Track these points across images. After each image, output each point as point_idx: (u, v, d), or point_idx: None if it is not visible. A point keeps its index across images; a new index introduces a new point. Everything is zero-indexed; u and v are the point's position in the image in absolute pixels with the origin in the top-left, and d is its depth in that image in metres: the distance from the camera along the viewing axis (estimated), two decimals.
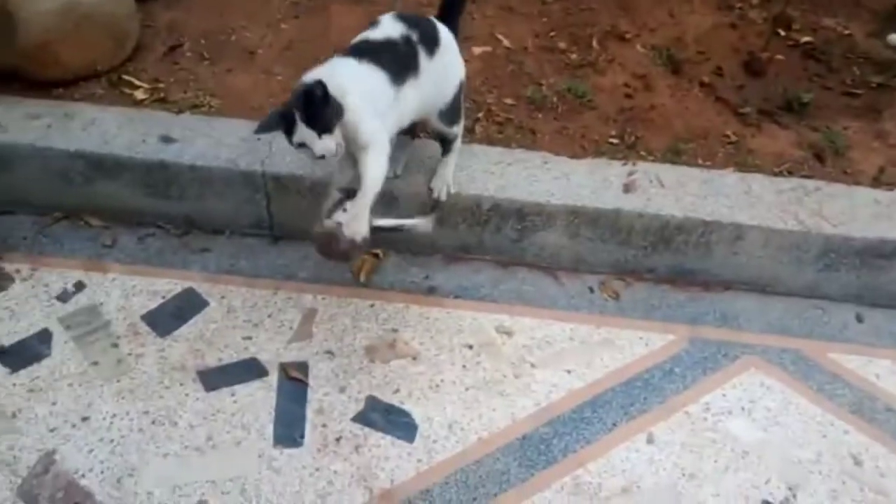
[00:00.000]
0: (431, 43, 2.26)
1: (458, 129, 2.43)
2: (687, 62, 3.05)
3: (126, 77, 2.78)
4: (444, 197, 2.44)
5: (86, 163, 2.52)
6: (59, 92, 2.71)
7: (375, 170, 2.10)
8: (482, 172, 2.53)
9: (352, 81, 2.08)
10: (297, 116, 1.98)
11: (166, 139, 2.56)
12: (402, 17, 2.27)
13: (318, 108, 1.98)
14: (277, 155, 2.53)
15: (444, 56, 2.29)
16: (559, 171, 2.56)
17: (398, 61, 2.18)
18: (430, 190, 2.46)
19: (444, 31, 2.32)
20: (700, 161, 2.68)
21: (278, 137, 2.49)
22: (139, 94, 2.72)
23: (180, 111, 2.67)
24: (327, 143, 2.00)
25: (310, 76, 2.08)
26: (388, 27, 2.23)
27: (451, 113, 2.36)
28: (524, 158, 2.60)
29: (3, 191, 2.61)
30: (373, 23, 2.28)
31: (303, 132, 2.00)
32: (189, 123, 2.62)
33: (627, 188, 2.51)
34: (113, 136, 2.55)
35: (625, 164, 2.61)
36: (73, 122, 2.59)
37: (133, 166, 2.52)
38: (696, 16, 3.26)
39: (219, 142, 2.56)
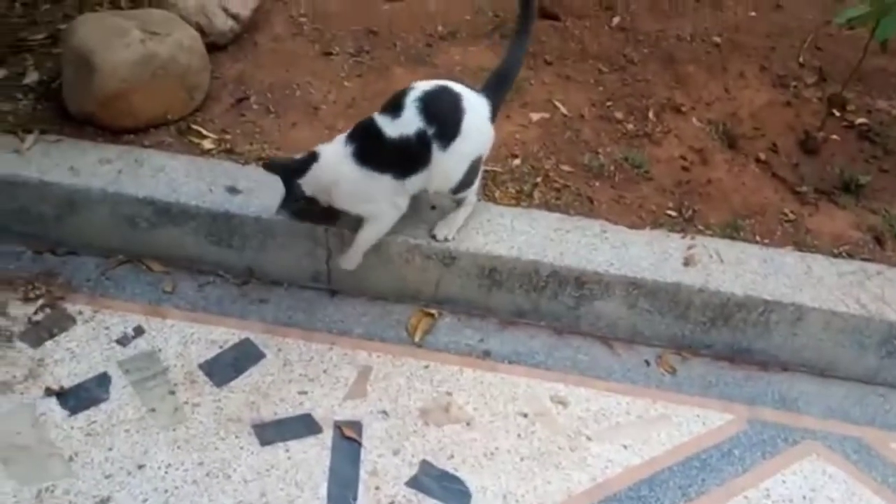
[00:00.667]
0: (450, 135, 2.31)
1: (464, 195, 2.48)
2: (742, 137, 3.07)
3: (195, 126, 2.84)
4: (440, 238, 2.50)
5: (153, 209, 2.57)
6: (129, 138, 2.77)
7: (366, 236, 2.43)
8: (541, 238, 2.55)
9: (344, 178, 2.32)
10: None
11: (232, 190, 2.61)
12: (429, 103, 2.29)
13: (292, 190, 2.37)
14: None
15: (462, 143, 2.34)
16: (618, 240, 2.57)
17: (407, 160, 2.32)
18: (433, 235, 2.50)
19: (473, 111, 2.35)
20: (758, 238, 2.69)
21: None
22: (207, 144, 2.78)
23: (246, 162, 2.73)
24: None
25: (315, 154, 2.37)
26: (408, 119, 2.28)
27: (459, 187, 2.43)
28: (583, 226, 2.61)
29: (70, 233, 2.66)
30: (396, 105, 2.31)
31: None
32: (254, 175, 2.67)
33: (687, 262, 2.52)
34: (181, 184, 2.60)
35: (683, 237, 2.62)
36: (143, 169, 2.64)
37: (198, 215, 2.56)
38: (751, 91, 3.29)
39: (283, 194, 2.60)
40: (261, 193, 2.61)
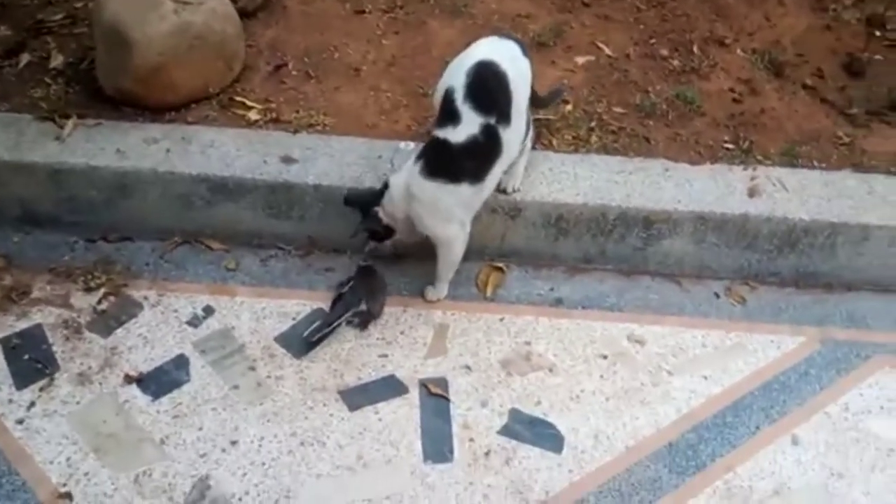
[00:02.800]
0: (507, 109, 2.27)
1: (525, 143, 2.45)
2: (787, 65, 3.03)
3: (237, 98, 2.78)
4: (510, 190, 2.48)
5: (208, 186, 2.53)
6: (171, 115, 2.71)
7: (444, 264, 2.42)
8: (605, 182, 2.52)
9: (420, 195, 2.27)
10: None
11: (287, 159, 2.56)
12: (478, 95, 2.23)
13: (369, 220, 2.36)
14: None
15: (517, 104, 2.30)
16: (681, 177, 2.55)
17: (481, 159, 2.27)
18: (503, 189, 2.47)
19: (512, 67, 2.30)
20: (816, 163, 2.67)
21: (400, 155, 2.53)
22: (253, 115, 2.73)
23: (296, 131, 2.68)
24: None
25: (389, 185, 2.34)
26: (469, 121, 2.23)
27: (523, 141, 2.41)
28: (645, 167, 2.59)
29: (122, 217, 2.62)
30: (451, 113, 2.24)
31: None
32: (307, 143, 2.62)
33: (752, 193, 2.50)
34: (233, 158, 2.56)
35: (745, 168, 2.60)
36: (192, 146, 2.59)
37: (256, 188, 2.52)
38: (791, 18, 3.25)
39: (340, 161, 2.57)
40: (316, 161, 2.57)
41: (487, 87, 2.24)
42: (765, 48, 3.11)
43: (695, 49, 3.10)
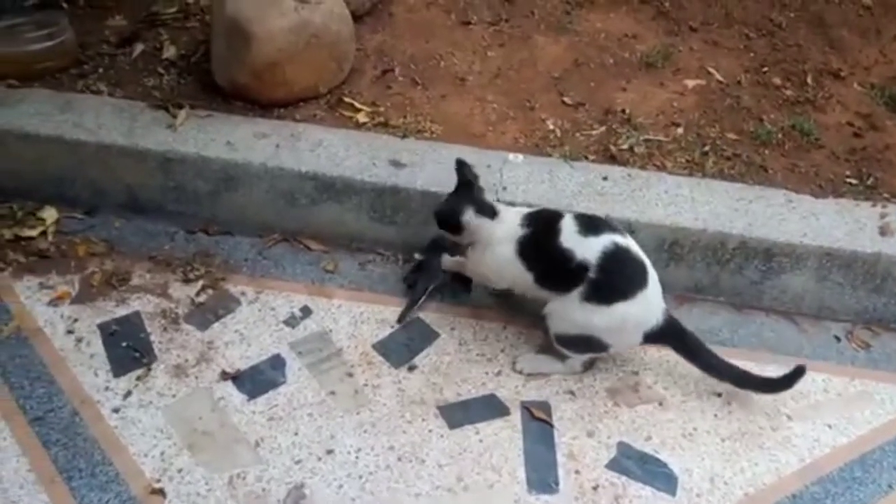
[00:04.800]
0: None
1: None
2: None
3: (346, 99, 2.74)
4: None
5: (315, 185, 2.48)
6: (280, 112, 2.68)
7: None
8: (725, 209, 2.41)
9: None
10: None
11: (396, 163, 2.51)
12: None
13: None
14: (510, 184, 2.46)
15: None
16: (806, 209, 2.43)
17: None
18: None
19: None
20: None
21: (509, 167, 2.46)
22: (361, 117, 2.68)
23: (405, 135, 2.62)
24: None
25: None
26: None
27: None
28: (766, 196, 2.47)
29: (225, 210, 2.58)
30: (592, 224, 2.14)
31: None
32: (415, 148, 2.57)
33: (883, 231, 2.37)
34: (342, 158, 2.51)
35: (873, 205, 2.46)
36: (301, 143, 2.55)
37: (363, 190, 2.47)
38: None
39: (448, 168, 2.47)
40: (425, 167, 2.50)
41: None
42: (882, 83, 2.99)
43: (808, 80, 3.00)
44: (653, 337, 2.14)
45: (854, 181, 2.58)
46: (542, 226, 2.15)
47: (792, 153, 2.68)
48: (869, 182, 2.57)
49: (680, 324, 2.17)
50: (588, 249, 2.06)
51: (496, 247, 2.18)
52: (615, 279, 2.06)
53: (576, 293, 2.09)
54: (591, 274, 2.05)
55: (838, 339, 2.41)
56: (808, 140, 2.72)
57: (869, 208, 2.46)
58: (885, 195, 2.53)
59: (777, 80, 2.98)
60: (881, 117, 2.84)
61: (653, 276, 2.10)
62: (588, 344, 2.16)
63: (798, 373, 2.11)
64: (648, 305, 2.10)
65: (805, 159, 2.66)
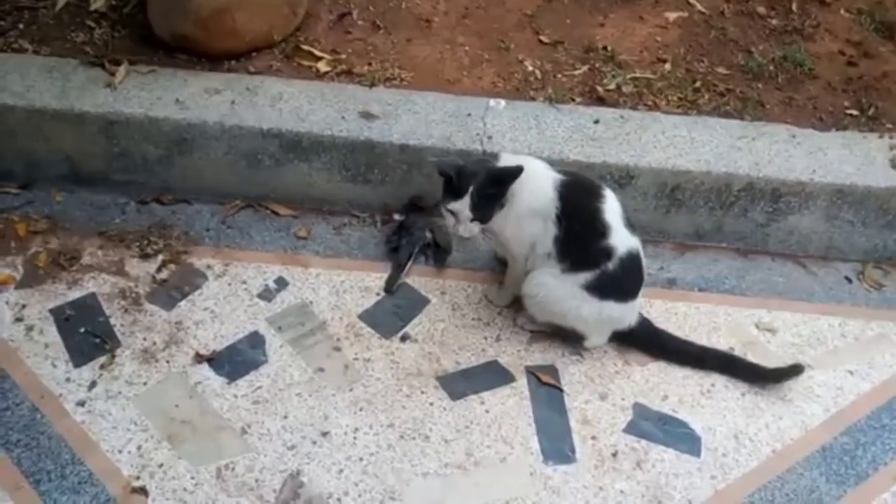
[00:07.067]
0: None
1: None
2: None
3: (304, 47, 2.48)
4: None
5: (280, 143, 2.23)
6: (231, 64, 2.41)
7: (513, 275, 2.08)
8: (728, 148, 2.26)
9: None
10: (471, 188, 1.85)
11: (367, 115, 2.27)
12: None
13: (492, 195, 1.88)
14: (495, 132, 2.25)
15: None
16: (812, 145, 2.30)
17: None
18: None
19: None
20: None
21: (492, 114, 2.25)
22: (322, 66, 2.43)
23: (372, 84, 2.38)
24: (472, 229, 1.92)
25: (510, 160, 1.93)
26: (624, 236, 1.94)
27: None
28: (769, 132, 2.33)
29: (178, 177, 2.33)
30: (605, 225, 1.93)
31: (464, 204, 1.87)
32: (386, 98, 2.33)
33: (895, 164, 2.24)
34: (306, 112, 2.26)
35: (881, 136, 2.35)
36: (259, 98, 2.30)
37: (333, 146, 2.23)
38: None
39: (426, 118, 2.28)
40: (399, 118, 2.28)
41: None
42: (870, 8, 2.87)
43: (794, 7, 2.85)
44: (624, 336, 2.04)
45: (855, 112, 2.46)
46: (583, 191, 1.95)
47: (786, 86, 2.54)
48: (870, 112, 2.46)
49: (652, 324, 2.06)
50: (622, 239, 1.91)
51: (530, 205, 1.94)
52: (622, 281, 1.93)
53: (580, 276, 1.92)
54: (610, 264, 1.89)
55: (849, 280, 2.30)
56: (802, 71, 2.59)
57: (877, 140, 2.34)
58: (889, 125, 2.42)
59: (761, 10, 2.83)
60: (873, 44, 2.73)
61: None
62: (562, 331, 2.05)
63: (794, 370, 2.00)
64: (631, 311, 2.00)
65: (801, 91, 2.52)
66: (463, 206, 1.87)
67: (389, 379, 1.98)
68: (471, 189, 1.86)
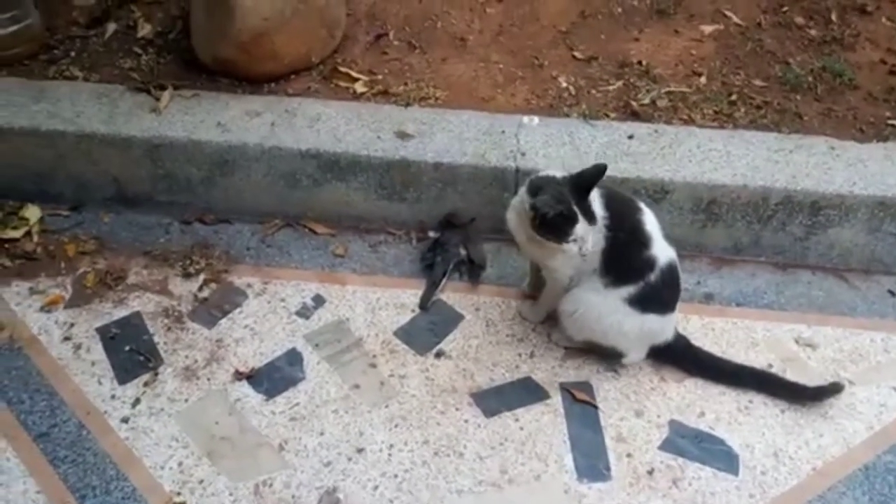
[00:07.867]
0: None
1: None
2: None
3: (341, 69, 2.53)
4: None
5: (318, 163, 2.28)
6: (270, 87, 2.48)
7: (549, 294, 2.08)
8: (765, 161, 2.23)
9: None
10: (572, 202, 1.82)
11: (402, 135, 2.31)
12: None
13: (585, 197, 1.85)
14: (528, 149, 2.27)
15: None
16: (851, 157, 2.26)
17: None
18: None
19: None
20: None
21: (525, 131, 2.27)
22: (359, 87, 2.48)
23: (408, 104, 2.42)
24: (592, 236, 1.87)
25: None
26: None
27: None
28: (807, 144, 2.30)
29: (221, 197, 2.39)
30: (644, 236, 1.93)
31: (581, 224, 1.83)
32: (421, 117, 2.37)
33: None
34: (343, 133, 2.31)
35: None
36: (297, 119, 2.35)
37: (369, 166, 2.27)
38: None
39: (459, 136, 2.31)
40: (434, 137, 2.31)
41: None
42: None
43: (833, 17, 2.81)
44: (660, 352, 2.02)
45: None
46: (624, 204, 1.96)
47: (825, 97, 2.50)
48: None
49: (688, 340, 2.05)
50: (662, 250, 1.91)
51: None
52: (662, 293, 1.92)
53: (623, 290, 1.91)
54: (652, 276, 1.89)
55: (892, 293, 2.25)
56: (842, 81, 2.55)
57: None
58: None
59: (799, 20, 2.79)
60: None
61: None
62: (600, 348, 2.04)
63: (834, 389, 1.96)
64: (669, 324, 2.00)
65: (840, 102, 2.48)
66: (581, 225, 1.84)
67: (424, 395, 2.00)
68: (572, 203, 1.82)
